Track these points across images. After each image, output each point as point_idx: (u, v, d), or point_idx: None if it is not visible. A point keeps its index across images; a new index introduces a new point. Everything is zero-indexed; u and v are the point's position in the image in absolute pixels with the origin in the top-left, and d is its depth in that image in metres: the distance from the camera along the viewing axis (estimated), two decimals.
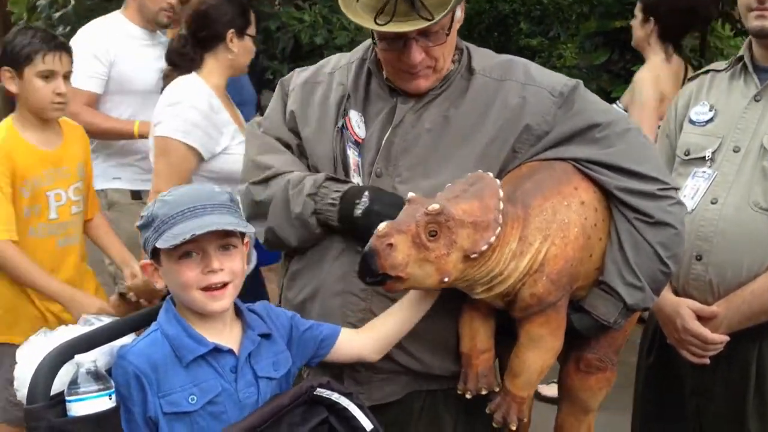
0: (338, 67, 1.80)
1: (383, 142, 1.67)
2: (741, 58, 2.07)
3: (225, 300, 1.49)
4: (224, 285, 1.48)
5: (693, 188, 2.00)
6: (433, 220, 1.42)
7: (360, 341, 1.63)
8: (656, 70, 3.34)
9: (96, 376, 1.39)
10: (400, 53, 1.61)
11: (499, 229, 1.46)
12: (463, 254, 1.45)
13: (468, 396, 1.67)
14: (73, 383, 1.38)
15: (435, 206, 1.42)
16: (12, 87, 2.50)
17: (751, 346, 1.98)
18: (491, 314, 1.64)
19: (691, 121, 2.10)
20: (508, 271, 1.52)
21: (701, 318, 1.97)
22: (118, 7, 3.73)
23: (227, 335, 1.52)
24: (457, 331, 1.67)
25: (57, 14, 9.20)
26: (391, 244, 1.42)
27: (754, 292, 1.92)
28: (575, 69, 6.06)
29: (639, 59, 5.32)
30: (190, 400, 1.45)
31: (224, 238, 1.48)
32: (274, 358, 1.54)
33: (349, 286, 1.64)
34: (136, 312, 1.61)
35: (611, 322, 1.65)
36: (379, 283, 1.48)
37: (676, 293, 2.03)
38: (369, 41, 1.77)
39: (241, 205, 1.55)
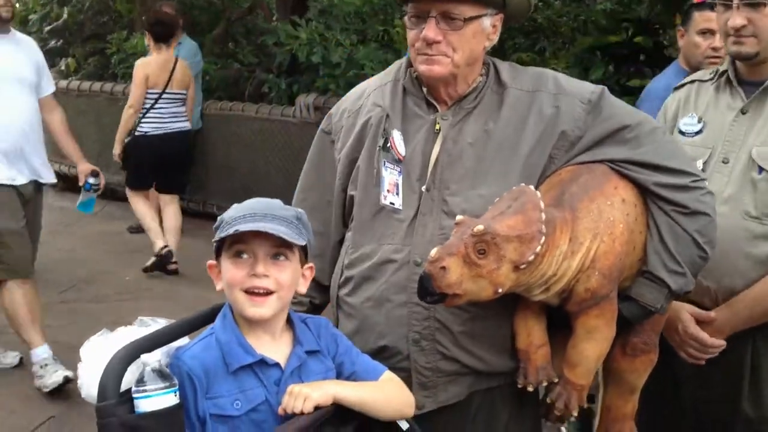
0: (373, 89, 1.89)
1: (430, 158, 1.76)
2: (725, 72, 2.15)
3: (265, 308, 1.53)
4: (268, 293, 1.53)
5: None
6: (479, 239, 1.53)
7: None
8: None
9: (161, 374, 1.45)
10: (420, 32, 1.70)
11: (544, 238, 1.55)
12: (513, 266, 1.55)
13: (530, 389, 1.75)
14: (140, 381, 1.43)
15: (480, 227, 1.53)
16: None
17: (745, 340, 2.07)
18: (543, 310, 1.74)
19: (681, 132, 2.18)
20: (562, 271, 1.62)
21: (700, 322, 2.06)
22: (107, 21, 3.93)
23: (276, 348, 1.57)
24: (512, 328, 1.76)
25: (48, 27, 9.21)
26: (444, 267, 1.53)
27: (756, 298, 2.01)
28: None
29: (638, 74, 5.46)
30: (234, 406, 1.50)
31: (277, 248, 1.53)
32: (324, 375, 1.59)
33: (412, 296, 1.69)
34: (195, 314, 1.66)
35: (658, 307, 1.76)
36: (438, 301, 1.58)
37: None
38: (397, 63, 1.88)
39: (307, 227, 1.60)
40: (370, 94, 1.88)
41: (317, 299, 1.94)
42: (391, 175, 1.77)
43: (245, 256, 1.53)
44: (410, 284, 1.71)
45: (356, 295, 1.81)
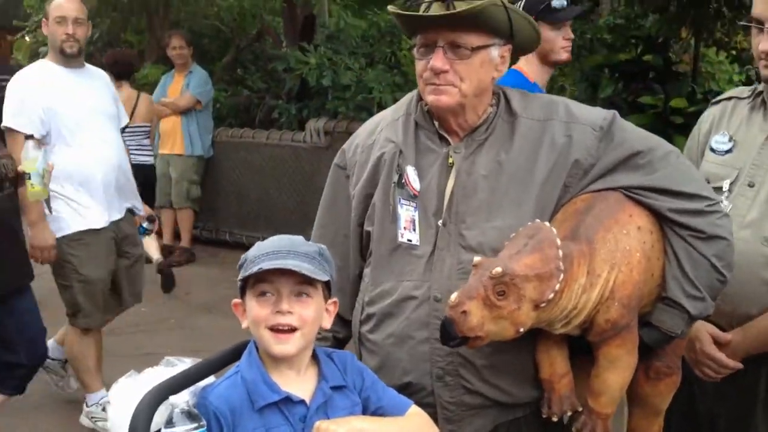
0: (385, 124, 1.89)
1: (445, 192, 1.76)
2: (762, 92, 2.11)
3: (290, 345, 1.54)
4: (292, 330, 1.54)
5: None
6: (498, 281, 1.53)
7: None
8: None
9: (189, 414, 1.46)
10: (428, 62, 1.71)
11: (562, 275, 1.56)
12: (533, 305, 1.55)
13: (555, 419, 1.76)
14: (170, 422, 1.45)
15: (498, 270, 1.52)
16: None
17: (760, 362, 2.06)
18: (564, 340, 1.74)
19: (712, 149, 2.15)
20: (581, 304, 1.62)
21: (717, 343, 2.06)
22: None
23: (301, 384, 1.57)
24: (533, 358, 1.76)
25: None
26: (465, 311, 1.54)
27: (763, 328, 2.01)
28: (578, 101, 6.21)
29: (647, 91, 5.47)
30: None
31: (300, 285, 1.54)
32: (351, 410, 1.59)
33: (434, 332, 1.69)
34: (220, 353, 1.68)
35: (678, 333, 1.75)
36: (461, 344, 1.59)
37: None
38: (408, 96, 1.87)
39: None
40: (383, 129, 1.88)
41: (340, 333, 1.94)
42: (407, 212, 1.77)
43: (269, 294, 1.54)
44: (431, 321, 1.71)
45: (378, 332, 1.81)
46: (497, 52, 1.74)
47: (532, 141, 1.75)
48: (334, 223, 1.94)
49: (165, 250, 6.21)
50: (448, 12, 1.65)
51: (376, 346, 1.81)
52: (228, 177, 7.07)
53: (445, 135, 1.80)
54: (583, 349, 1.73)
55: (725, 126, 2.15)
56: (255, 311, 1.54)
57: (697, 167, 2.15)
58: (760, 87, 2.13)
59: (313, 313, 1.57)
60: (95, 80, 3.88)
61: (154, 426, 1.46)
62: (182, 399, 1.47)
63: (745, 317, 2.03)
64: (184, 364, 1.61)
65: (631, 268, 1.65)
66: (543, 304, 1.55)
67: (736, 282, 1.89)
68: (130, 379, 1.55)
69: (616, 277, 1.63)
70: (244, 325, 1.60)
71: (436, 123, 1.80)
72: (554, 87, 6.62)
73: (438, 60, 1.70)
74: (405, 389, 1.75)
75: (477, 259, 1.59)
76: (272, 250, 1.55)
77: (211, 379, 1.61)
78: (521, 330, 1.57)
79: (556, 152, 1.73)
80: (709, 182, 2.07)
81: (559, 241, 1.57)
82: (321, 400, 1.56)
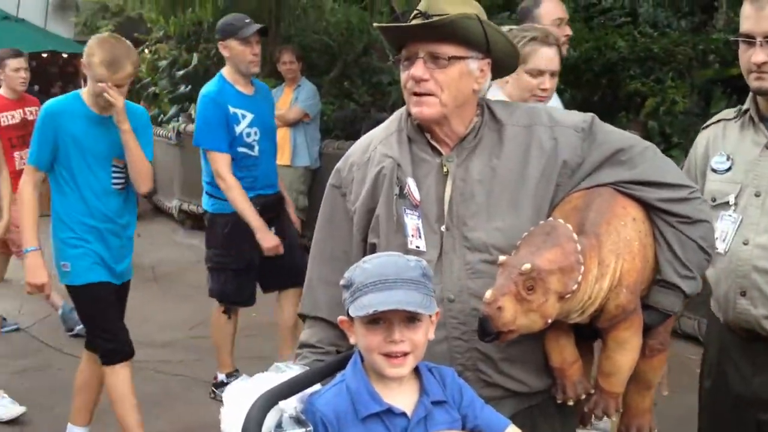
0: (378, 142, 1.95)
1: (444, 199, 1.85)
2: (747, 110, 2.27)
3: (404, 368, 1.60)
4: (405, 354, 1.59)
5: (722, 231, 2.23)
6: (528, 277, 1.62)
7: None
8: None
9: (298, 420, 1.54)
10: (410, 73, 1.81)
11: (582, 267, 1.66)
12: (558, 296, 1.65)
13: (570, 403, 1.85)
14: (279, 427, 1.53)
15: (527, 266, 1.62)
16: None
17: None
18: (570, 328, 1.83)
19: (713, 170, 2.31)
20: (595, 294, 1.71)
21: None
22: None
23: (402, 395, 1.62)
24: (543, 348, 1.84)
25: (180, 73, 9.66)
26: (500, 307, 1.62)
27: None
28: (690, 114, 6.05)
29: None
30: None
31: (410, 312, 1.59)
32: (450, 425, 1.62)
33: (451, 332, 1.79)
34: (328, 362, 1.75)
35: (675, 311, 1.87)
36: (495, 338, 1.68)
37: (727, 326, 2.27)
38: (397, 113, 1.95)
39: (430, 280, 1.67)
40: (377, 146, 1.93)
41: (343, 347, 1.93)
42: (411, 221, 1.85)
43: (381, 321, 1.58)
44: (447, 320, 1.78)
45: None
46: (476, 65, 1.84)
47: (520, 146, 1.85)
48: (333, 239, 1.98)
49: None
50: (424, 21, 1.78)
51: None
52: None
53: (437, 146, 1.88)
54: (582, 335, 1.84)
55: (721, 147, 2.31)
56: (367, 339, 1.59)
57: (701, 188, 2.28)
58: (745, 106, 2.29)
59: (423, 336, 1.61)
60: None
61: (265, 430, 1.54)
62: (291, 405, 1.55)
63: None
64: (292, 371, 1.69)
65: (633, 256, 1.76)
66: (567, 296, 1.65)
67: (761, 284, 2.09)
68: (242, 383, 1.64)
69: (622, 266, 1.74)
70: (352, 340, 1.65)
71: (428, 135, 1.88)
72: (666, 99, 6.49)
73: (418, 69, 1.80)
74: None
75: (502, 258, 1.68)
76: (380, 278, 1.58)
77: (317, 386, 1.69)
78: (548, 321, 1.67)
79: (546, 155, 1.83)
80: (715, 200, 2.28)
81: (575, 236, 1.67)
82: (422, 414, 1.61)
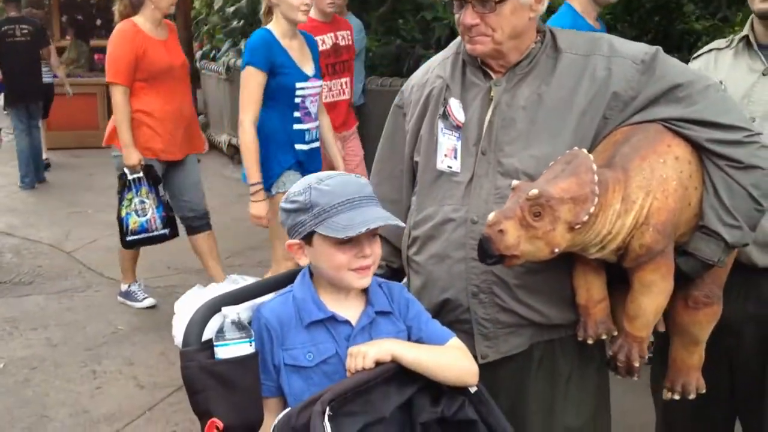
0: (436, 63, 2.00)
1: (485, 123, 1.85)
2: (744, 37, 2.24)
3: (369, 278, 1.68)
4: (369, 266, 1.67)
5: None
6: (535, 203, 1.59)
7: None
8: None
9: (239, 326, 1.61)
10: (461, 16, 1.80)
11: (597, 199, 1.61)
12: (568, 226, 1.61)
13: (590, 342, 1.82)
14: (220, 331, 1.60)
15: (534, 191, 1.59)
16: None
17: None
18: (602, 266, 1.79)
19: None
20: (616, 229, 1.67)
21: None
22: None
23: (347, 306, 1.69)
24: (571, 283, 1.82)
25: (231, 9, 9.73)
26: (501, 230, 1.61)
27: None
28: None
29: None
30: (307, 357, 1.64)
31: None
32: (395, 336, 1.69)
33: (471, 252, 1.79)
34: (279, 275, 1.81)
35: (716, 261, 1.78)
36: (498, 262, 1.66)
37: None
38: (458, 38, 1.95)
39: None
40: (434, 68, 1.99)
41: (395, 263, 2.06)
42: (449, 141, 1.87)
43: (351, 240, 1.62)
44: (468, 241, 1.81)
45: (422, 253, 1.91)
46: None
47: (573, 75, 1.81)
48: (392, 159, 2.06)
49: None
50: None
51: (420, 267, 1.92)
52: (378, 124, 7.16)
53: (489, 71, 1.88)
54: (622, 277, 1.78)
55: (713, 74, 2.22)
56: (336, 258, 1.64)
57: None
58: (744, 32, 2.26)
59: (380, 249, 1.70)
60: None
61: (210, 334, 1.62)
62: (233, 311, 1.61)
63: None
64: (245, 282, 1.76)
65: (667, 195, 1.69)
66: (577, 227, 1.61)
67: None
68: (194, 291, 1.72)
69: (651, 204, 1.68)
70: (303, 262, 1.71)
71: (479, 60, 1.88)
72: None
73: (467, 16, 1.79)
74: (444, 306, 1.86)
75: (515, 182, 1.67)
76: (346, 198, 1.62)
77: (270, 296, 1.75)
78: (556, 251, 1.63)
79: (596, 85, 1.79)
80: None
81: (595, 167, 1.62)
82: (365, 322, 1.67)
